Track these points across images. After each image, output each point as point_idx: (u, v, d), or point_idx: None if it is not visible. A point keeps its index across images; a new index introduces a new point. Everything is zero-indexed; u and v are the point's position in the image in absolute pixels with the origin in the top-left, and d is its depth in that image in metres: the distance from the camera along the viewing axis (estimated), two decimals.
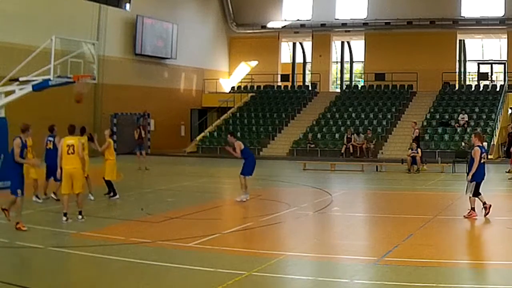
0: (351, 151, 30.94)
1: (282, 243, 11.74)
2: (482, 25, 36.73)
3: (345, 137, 31.60)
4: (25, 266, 9.43)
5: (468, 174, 13.50)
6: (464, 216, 13.35)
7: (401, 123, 33.69)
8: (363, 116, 34.79)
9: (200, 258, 9.89)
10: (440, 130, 31.84)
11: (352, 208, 16.17)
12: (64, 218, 12.78)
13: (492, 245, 10.92)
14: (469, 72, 40.65)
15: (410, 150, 24.89)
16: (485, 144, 28.91)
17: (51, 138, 15.86)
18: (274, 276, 8.94)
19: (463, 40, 39.34)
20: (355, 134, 31.66)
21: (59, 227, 12.37)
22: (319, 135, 33.31)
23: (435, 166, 25.08)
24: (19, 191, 12.00)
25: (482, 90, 36.27)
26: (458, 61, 38.74)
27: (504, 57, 37.93)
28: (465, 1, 37.06)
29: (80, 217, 12.94)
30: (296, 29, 41.00)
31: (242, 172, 16.23)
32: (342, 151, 31.10)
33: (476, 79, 39.61)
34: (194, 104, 39.78)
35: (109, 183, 16.09)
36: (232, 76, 42.71)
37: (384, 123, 33.76)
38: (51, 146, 15.63)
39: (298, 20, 40.78)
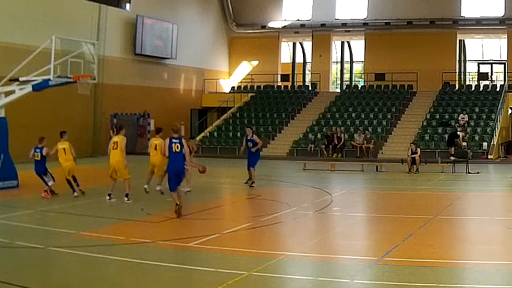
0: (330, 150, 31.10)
1: (282, 243, 11.74)
2: (482, 25, 36.74)
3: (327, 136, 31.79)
4: (25, 266, 9.42)
5: None
6: None
7: (401, 123, 33.72)
8: (363, 116, 34.80)
9: (200, 258, 9.89)
10: (440, 130, 31.84)
11: (352, 208, 16.15)
12: (108, 198, 15.63)
13: (492, 245, 10.92)
14: (469, 72, 40.66)
15: (410, 151, 24.90)
16: (484, 144, 29.50)
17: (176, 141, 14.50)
18: (274, 276, 8.94)
19: (463, 40, 39.34)
20: (355, 134, 31.70)
21: (59, 227, 12.38)
22: (319, 135, 33.30)
23: (435, 166, 25.08)
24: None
25: (482, 90, 36.27)
26: (458, 61, 38.75)
27: (504, 57, 37.94)
28: (465, 1, 37.07)
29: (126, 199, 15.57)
30: (296, 29, 41.00)
31: None
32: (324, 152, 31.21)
33: (476, 79, 39.62)
34: (194, 104, 39.78)
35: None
36: (232, 76, 42.72)
37: (384, 123, 33.77)
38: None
39: (298, 20, 40.79)
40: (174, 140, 14.07)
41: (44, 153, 16.36)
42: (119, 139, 15.74)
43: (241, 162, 28.32)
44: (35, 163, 16.49)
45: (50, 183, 16.39)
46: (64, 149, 16.41)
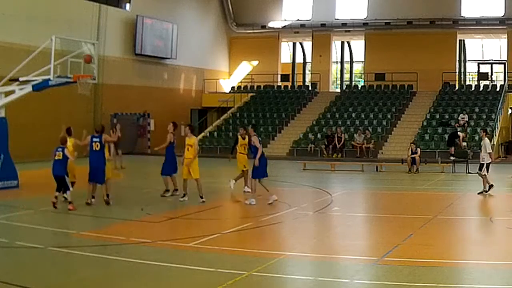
0: (330, 151, 31.12)
1: (282, 243, 11.74)
2: (482, 25, 36.75)
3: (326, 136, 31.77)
4: (25, 266, 9.42)
5: None
6: None
7: (401, 123, 33.71)
8: (363, 116, 34.79)
9: (200, 258, 9.89)
10: (440, 130, 31.84)
11: (352, 208, 16.16)
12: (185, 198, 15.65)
13: (492, 245, 10.92)
14: (469, 72, 40.67)
15: (410, 151, 24.90)
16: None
17: (97, 139, 14.98)
18: (274, 276, 8.94)
19: (463, 40, 39.36)
20: (355, 134, 31.71)
21: (59, 227, 12.38)
22: (319, 135, 33.30)
23: (435, 166, 25.07)
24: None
25: (482, 90, 36.28)
26: (458, 61, 38.77)
27: (504, 57, 37.95)
28: (465, 1, 37.07)
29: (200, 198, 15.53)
30: (296, 29, 41.00)
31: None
32: (324, 152, 31.18)
33: (476, 79, 39.63)
34: (194, 104, 39.78)
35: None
36: (232, 76, 42.72)
37: (384, 123, 33.77)
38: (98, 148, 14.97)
39: (298, 20, 40.80)
40: (94, 139, 14.83)
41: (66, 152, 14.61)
42: (193, 141, 15.75)
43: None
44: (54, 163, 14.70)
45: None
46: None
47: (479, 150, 29.03)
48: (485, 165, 17.09)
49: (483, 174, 17.17)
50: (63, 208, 14.55)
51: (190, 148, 15.58)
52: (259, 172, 15.42)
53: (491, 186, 17.18)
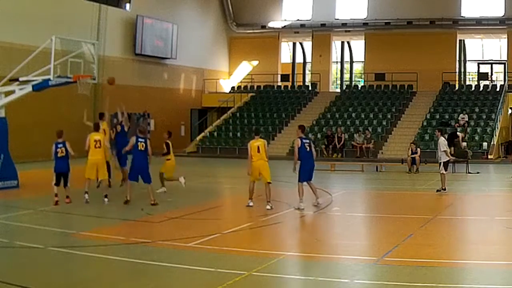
0: (331, 151, 31.13)
1: (282, 243, 11.74)
2: (482, 25, 36.76)
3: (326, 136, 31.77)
4: (25, 266, 9.42)
5: None
6: None
7: (401, 123, 33.71)
8: (363, 116, 34.79)
9: (200, 258, 9.89)
10: None
11: (352, 208, 16.17)
12: (87, 196, 15.01)
13: (492, 245, 10.92)
14: (469, 72, 40.67)
15: (410, 151, 24.90)
16: (484, 144, 29.49)
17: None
18: (274, 276, 8.94)
19: (463, 40, 39.35)
20: (355, 134, 31.70)
21: (59, 227, 12.38)
22: (319, 135, 33.29)
23: (435, 166, 25.03)
24: None
25: (482, 90, 36.28)
26: (458, 61, 38.75)
27: (504, 57, 37.95)
28: (465, 1, 37.07)
29: (105, 199, 15.27)
30: (296, 29, 41.02)
31: None
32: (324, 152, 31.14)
33: (476, 79, 39.64)
34: (194, 104, 39.78)
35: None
36: (232, 76, 42.72)
37: (384, 123, 33.76)
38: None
39: (298, 20, 40.81)
40: (140, 139, 15.23)
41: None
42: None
43: (241, 162, 28.35)
44: (56, 160, 15.07)
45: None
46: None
47: (479, 150, 29.43)
48: (442, 163, 17.41)
49: (441, 172, 17.66)
50: (63, 208, 14.57)
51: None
52: (300, 175, 15.02)
53: (443, 190, 17.53)
